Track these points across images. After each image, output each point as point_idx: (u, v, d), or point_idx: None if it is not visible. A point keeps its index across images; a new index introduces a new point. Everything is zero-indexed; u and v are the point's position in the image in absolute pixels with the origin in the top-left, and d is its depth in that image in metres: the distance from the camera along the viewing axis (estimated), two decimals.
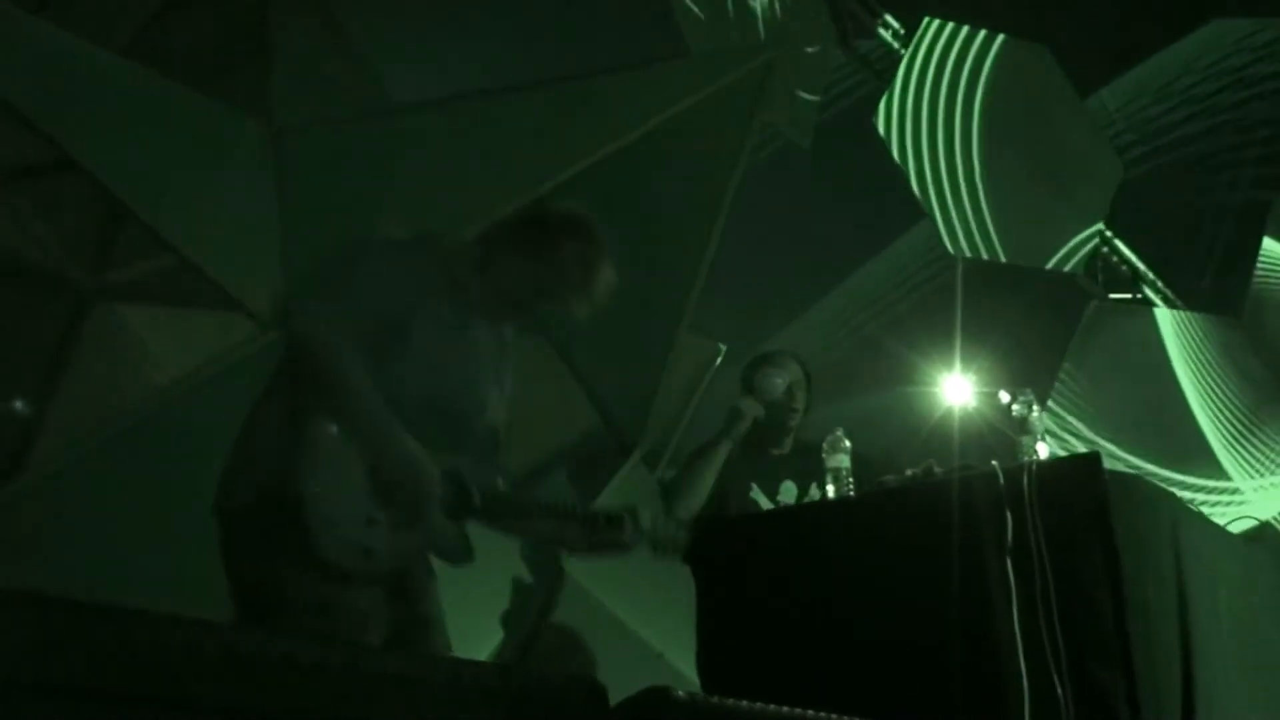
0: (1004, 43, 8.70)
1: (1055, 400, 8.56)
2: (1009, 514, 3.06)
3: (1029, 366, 8.30)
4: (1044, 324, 9.21)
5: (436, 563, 2.81)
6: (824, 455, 3.79)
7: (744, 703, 1.83)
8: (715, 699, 1.81)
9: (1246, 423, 9.15)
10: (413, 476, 2.53)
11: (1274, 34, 9.03)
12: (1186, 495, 8.46)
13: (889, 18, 8.46)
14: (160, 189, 4.43)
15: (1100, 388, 8.79)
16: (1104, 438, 8.59)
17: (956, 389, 6.72)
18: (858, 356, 7.70)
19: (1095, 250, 9.41)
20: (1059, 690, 2.89)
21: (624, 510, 2.90)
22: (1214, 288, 9.77)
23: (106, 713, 1.24)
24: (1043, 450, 3.47)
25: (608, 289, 2.84)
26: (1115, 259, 9.87)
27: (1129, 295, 9.81)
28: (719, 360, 6.60)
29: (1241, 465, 9.04)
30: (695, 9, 6.43)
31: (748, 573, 3.51)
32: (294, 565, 2.44)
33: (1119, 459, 8.20)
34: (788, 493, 4.27)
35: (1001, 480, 3.13)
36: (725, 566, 3.55)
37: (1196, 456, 8.94)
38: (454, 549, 2.68)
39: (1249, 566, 3.74)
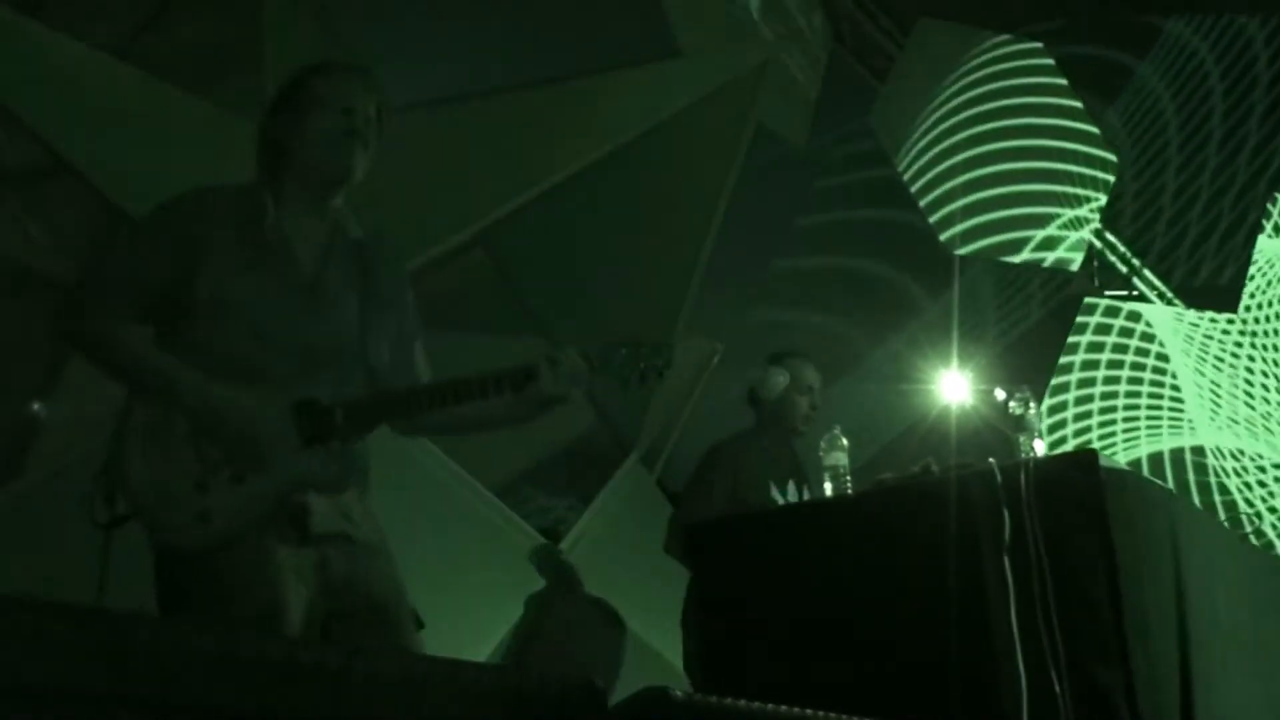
0: (1000, 42, 8.71)
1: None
2: (1006, 512, 3.07)
3: (1026, 364, 8.31)
4: (1041, 321, 9.22)
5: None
6: (821, 454, 3.80)
7: (741, 702, 1.83)
8: (713, 699, 1.81)
9: None
10: (228, 419, 2.45)
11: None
12: None
13: (885, 17, 8.46)
14: (156, 190, 4.42)
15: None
16: None
17: (953, 386, 6.71)
18: (855, 355, 7.71)
19: (1092, 247, 9.42)
20: (1057, 688, 2.89)
21: (541, 358, 2.61)
22: (1211, 285, 9.77)
23: (105, 714, 1.24)
24: (1040, 448, 3.48)
25: (379, 101, 2.71)
26: (1112, 256, 9.87)
27: (1126, 292, 9.82)
28: (716, 359, 6.61)
29: None
30: (692, 10, 6.43)
31: (744, 571, 3.52)
32: (172, 560, 2.41)
33: None
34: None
35: (999, 478, 3.13)
36: (722, 565, 3.56)
37: None
38: (327, 478, 2.54)
39: (1247, 564, 3.75)
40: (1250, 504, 8.31)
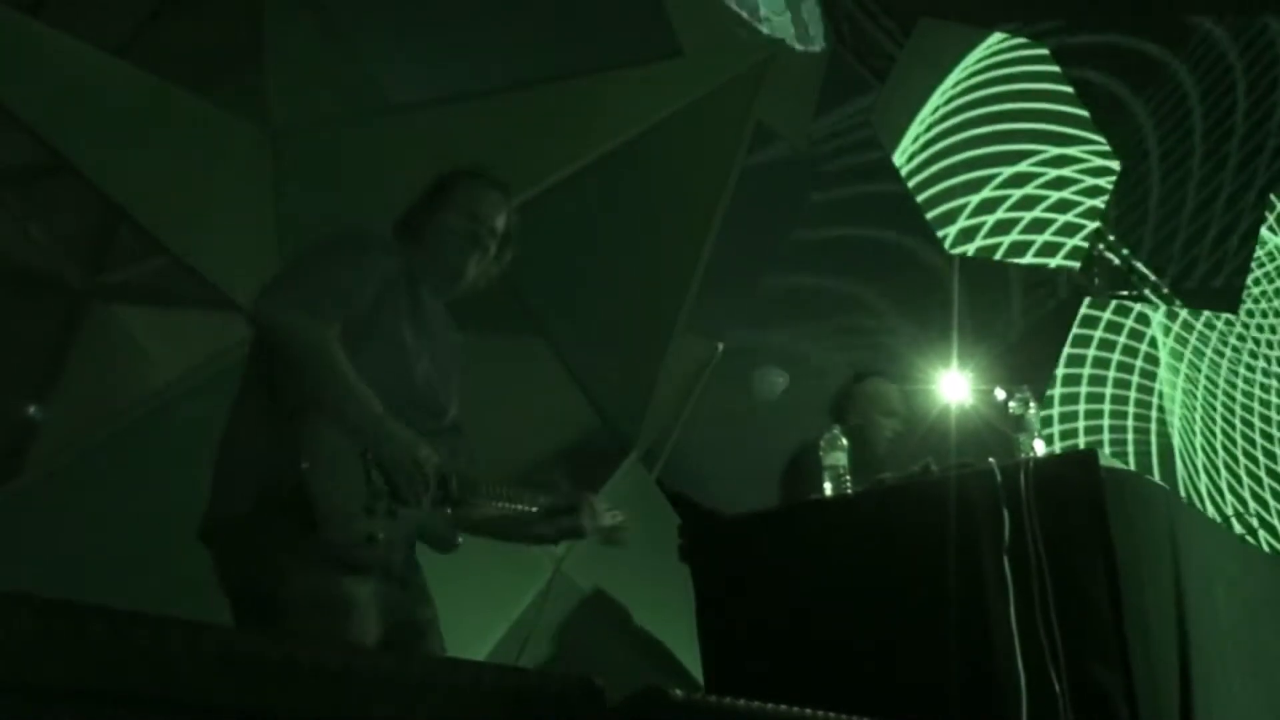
0: (1002, 41, 8.70)
1: None
2: (1006, 512, 3.07)
3: (1026, 364, 8.30)
4: (1041, 321, 9.21)
5: (430, 564, 2.82)
6: (820, 454, 3.80)
7: (741, 701, 1.84)
8: (713, 698, 1.81)
9: None
10: (410, 462, 2.55)
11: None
12: None
13: (886, 17, 8.46)
14: (156, 190, 4.43)
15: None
16: None
17: (953, 386, 6.70)
18: (854, 354, 7.70)
19: (1092, 247, 9.41)
20: (1057, 688, 2.89)
21: (583, 500, 2.95)
22: (1211, 285, 9.77)
23: (105, 713, 1.24)
24: (1039, 448, 3.48)
25: (508, 217, 2.91)
26: (1112, 255, 9.87)
27: (1126, 292, 9.81)
28: (716, 359, 6.61)
29: None
30: (694, 9, 6.43)
31: (746, 571, 3.52)
32: (297, 563, 2.44)
33: None
34: None
35: (999, 478, 3.14)
36: (723, 565, 3.56)
37: None
38: (445, 535, 2.72)
39: (1246, 563, 3.75)
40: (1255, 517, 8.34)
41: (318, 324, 2.53)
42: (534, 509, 2.86)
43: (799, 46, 7.39)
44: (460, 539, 2.75)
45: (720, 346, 6.62)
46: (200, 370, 4.32)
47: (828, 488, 3.73)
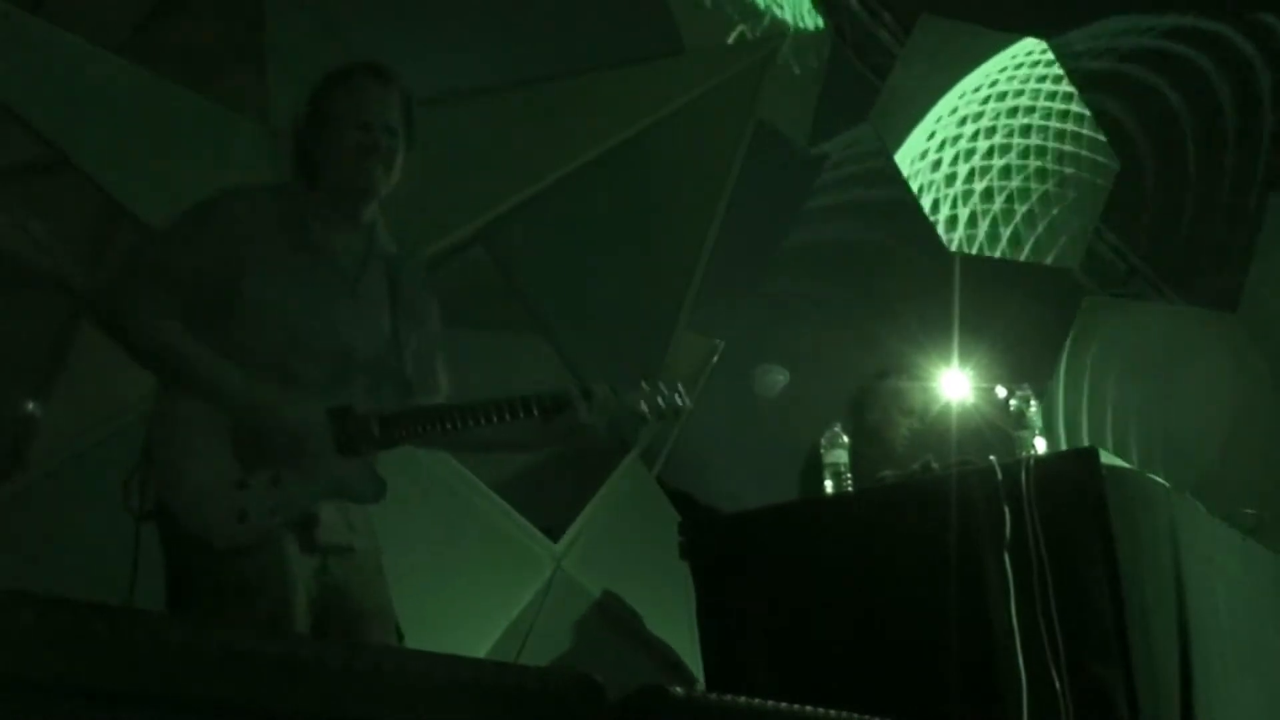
0: (1002, 40, 8.70)
1: None
2: (1007, 509, 3.07)
3: (1026, 361, 8.30)
4: (1041, 319, 9.21)
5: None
6: (821, 451, 3.80)
7: (741, 699, 1.84)
8: (713, 695, 1.81)
9: None
10: (274, 424, 2.45)
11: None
12: None
13: (888, 15, 8.46)
14: (156, 188, 4.43)
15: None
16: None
17: (954, 383, 6.70)
18: (855, 351, 7.70)
19: (1091, 245, 9.42)
20: (1057, 686, 2.89)
21: (571, 387, 2.67)
22: (1210, 282, 9.77)
23: (105, 712, 1.25)
24: (1040, 445, 3.48)
25: (402, 103, 2.73)
26: (1111, 253, 9.87)
27: (1124, 290, 9.82)
28: (716, 357, 6.61)
29: None
30: (693, 5, 6.44)
31: (746, 569, 3.52)
32: (202, 550, 2.40)
33: None
34: None
35: (999, 476, 3.14)
36: (723, 563, 3.56)
37: None
38: (361, 487, 2.57)
39: (1247, 561, 3.75)
40: None
41: (149, 308, 2.45)
42: (503, 418, 2.61)
43: (800, 44, 7.39)
44: (382, 492, 2.58)
45: (720, 344, 6.62)
46: None
47: (828, 486, 3.73)
